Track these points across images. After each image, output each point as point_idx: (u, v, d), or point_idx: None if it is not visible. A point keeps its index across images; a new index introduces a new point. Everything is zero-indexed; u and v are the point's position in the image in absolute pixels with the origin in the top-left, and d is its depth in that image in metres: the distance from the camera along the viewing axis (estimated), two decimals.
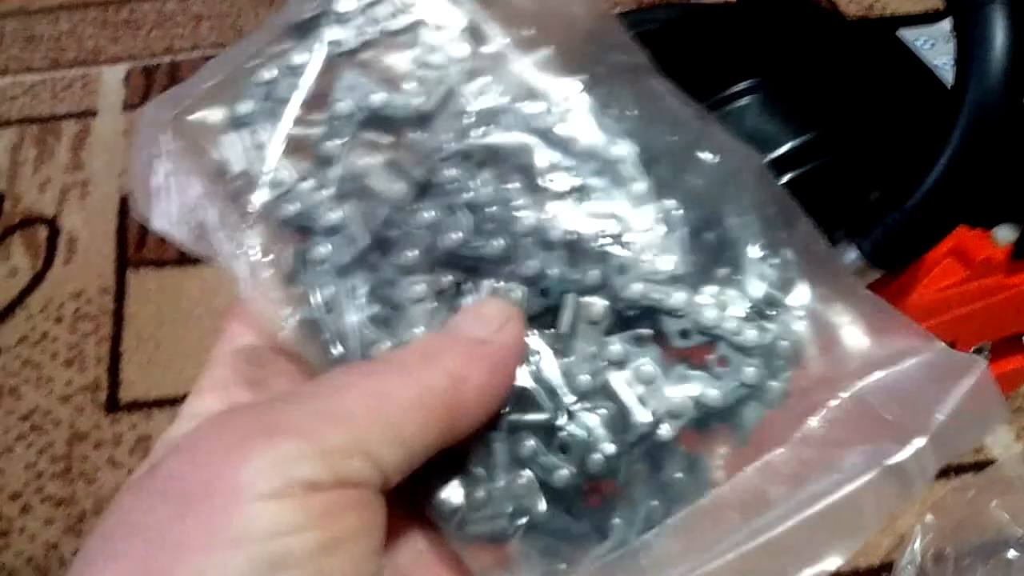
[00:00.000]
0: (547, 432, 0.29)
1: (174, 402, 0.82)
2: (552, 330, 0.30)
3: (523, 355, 0.29)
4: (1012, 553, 0.64)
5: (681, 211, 0.31)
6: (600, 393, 0.29)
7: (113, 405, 0.82)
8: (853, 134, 0.58)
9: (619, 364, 0.30)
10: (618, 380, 0.29)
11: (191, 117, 0.33)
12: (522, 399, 0.29)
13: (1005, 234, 0.62)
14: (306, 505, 0.24)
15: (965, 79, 0.54)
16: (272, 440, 0.24)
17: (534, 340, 0.30)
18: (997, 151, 0.55)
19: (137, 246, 0.95)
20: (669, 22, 0.63)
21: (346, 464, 0.25)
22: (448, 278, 0.31)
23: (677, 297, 0.30)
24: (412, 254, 0.31)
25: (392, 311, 0.30)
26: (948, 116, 0.54)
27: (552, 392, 0.29)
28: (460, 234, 0.30)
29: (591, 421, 0.29)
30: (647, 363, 0.30)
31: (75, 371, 0.85)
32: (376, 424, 0.25)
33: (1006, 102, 0.54)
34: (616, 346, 0.30)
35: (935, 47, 0.68)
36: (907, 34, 0.70)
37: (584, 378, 0.29)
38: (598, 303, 0.30)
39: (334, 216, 0.31)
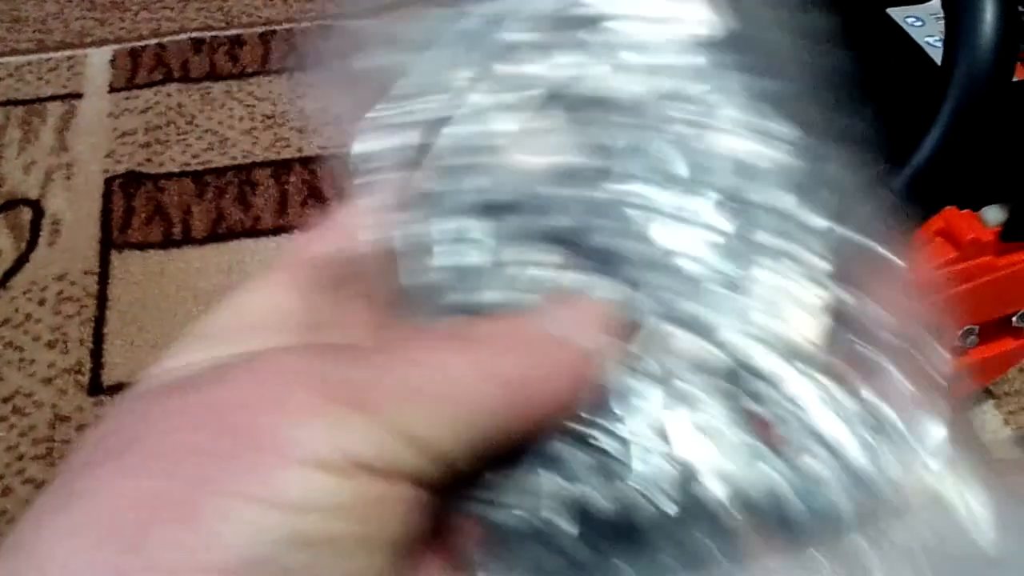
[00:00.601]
0: (589, 450, 0.27)
1: None
2: (631, 347, 0.27)
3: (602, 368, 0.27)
4: None
5: (826, 285, 0.28)
6: (657, 431, 0.27)
7: (96, 387, 0.81)
8: (840, 112, 0.57)
9: (687, 407, 0.27)
10: (678, 425, 0.27)
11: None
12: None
13: (994, 215, 0.61)
14: (354, 488, 0.22)
15: (953, 58, 0.53)
16: (342, 408, 0.22)
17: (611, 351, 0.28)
18: (985, 131, 0.54)
19: (121, 228, 0.94)
20: None
21: (406, 453, 0.23)
22: (555, 257, 0.28)
23: (787, 375, 0.27)
24: (529, 222, 0.28)
25: (486, 269, 0.28)
26: (936, 95, 0.54)
27: (610, 412, 0.27)
28: (582, 222, 0.28)
29: (640, 456, 0.26)
30: (720, 419, 0.27)
31: (58, 353, 0.84)
32: (449, 416, 0.23)
33: (994, 81, 0.53)
34: (690, 388, 0.27)
35: (924, 26, 0.68)
36: (896, 12, 0.69)
37: (646, 410, 0.27)
38: (688, 339, 0.27)
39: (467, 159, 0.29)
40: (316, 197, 0.97)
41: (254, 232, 0.94)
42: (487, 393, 0.24)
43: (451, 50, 0.30)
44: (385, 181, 0.29)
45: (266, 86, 1.10)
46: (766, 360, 0.27)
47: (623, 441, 0.26)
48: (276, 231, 0.94)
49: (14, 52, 1.17)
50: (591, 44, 0.31)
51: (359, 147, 0.29)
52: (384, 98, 0.30)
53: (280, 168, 1.00)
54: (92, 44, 1.17)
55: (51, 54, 1.16)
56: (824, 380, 0.27)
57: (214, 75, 1.11)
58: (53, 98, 1.10)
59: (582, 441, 0.26)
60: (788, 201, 0.28)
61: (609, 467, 0.26)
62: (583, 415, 0.26)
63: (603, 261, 0.28)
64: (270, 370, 0.23)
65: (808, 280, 0.28)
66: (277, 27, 1.18)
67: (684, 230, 0.28)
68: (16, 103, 1.10)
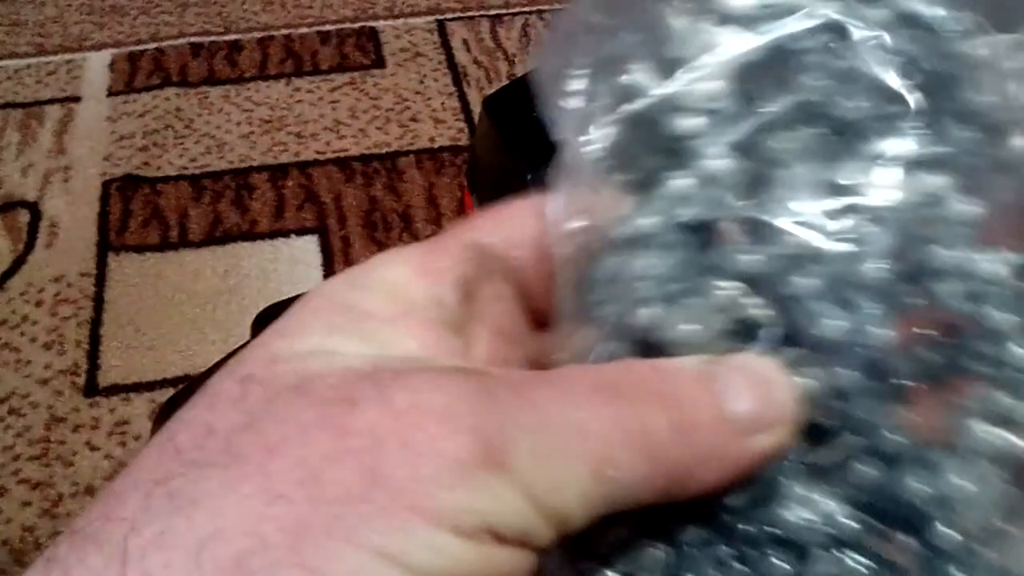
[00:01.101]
0: (711, 537, 0.24)
1: (152, 386, 0.82)
2: (805, 450, 0.23)
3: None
4: None
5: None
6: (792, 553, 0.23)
7: (92, 389, 0.82)
8: None
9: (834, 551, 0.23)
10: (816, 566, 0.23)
11: None
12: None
13: None
14: (480, 554, 0.20)
15: None
16: (484, 469, 0.20)
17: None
18: None
19: (118, 231, 0.95)
20: None
21: (535, 520, 0.21)
22: (761, 311, 0.24)
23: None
24: (744, 260, 0.24)
25: (678, 293, 0.24)
26: None
27: (752, 508, 0.23)
28: (792, 286, 0.23)
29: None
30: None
31: (54, 354, 0.85)
32: (583, 483, 0.21)
33: None
34: (851, 524, 0.23)
35: None
36: None
37: (786, 522, 0.23)
38: (869, 475, 0.23)
39: (713, 164, 0.25)
40: (313, 201, 0.98)
41: (250, 236, 0.94)
42: (629, 464, 0.21)
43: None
44: (585, 170, 0.26)
45: (264, 91, 1.10)
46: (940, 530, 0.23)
47: (751, 544, 0.23)
48: (272, 235, 0.95)
49: (13, 55, 1.18)
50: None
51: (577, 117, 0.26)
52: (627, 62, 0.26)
53: (277, 172, 1.01)
54: (91, 48, 1.18)
55: (50, 57, 1.17)
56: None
57: (212, 79, 1.12)
58: (51, 101, 1.11)
59: (707, 525, 0.24)
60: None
61: (728, 565, 0.23)
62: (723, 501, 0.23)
63: (799, 331, 0.24)
64: (415, 407, 0.21)
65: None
66: (275, 32, 1.18)
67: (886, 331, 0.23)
68: (15, 106, 1.10)
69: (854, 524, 0.23)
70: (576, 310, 0.25)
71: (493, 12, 1.22)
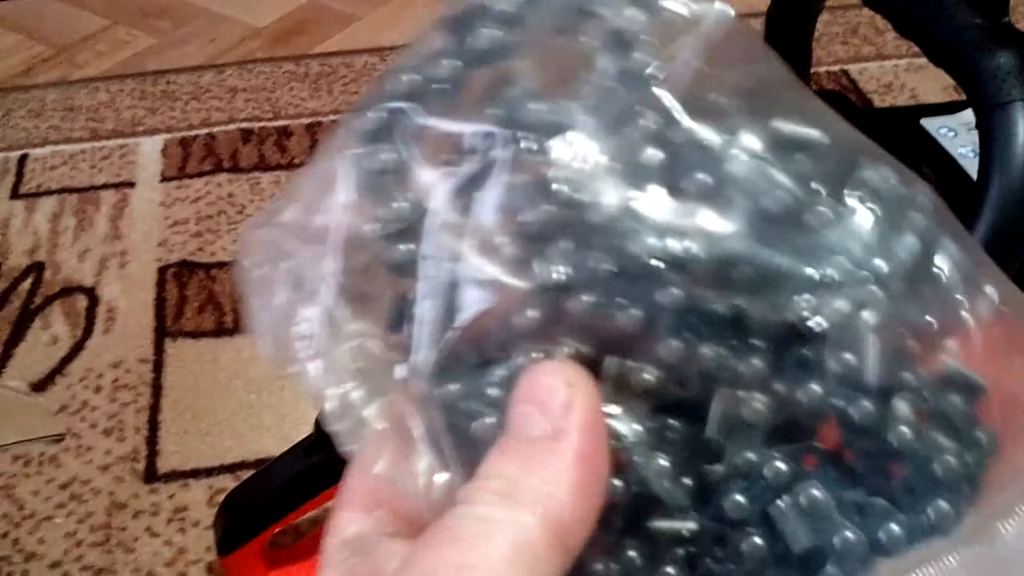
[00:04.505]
0: (681, 551, 0.25)
1: (210, 472, 0.84)
2: (680, 424, 0.25)
3: (605, 429, 0.24)
4: None
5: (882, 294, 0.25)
6: (755, 520, 0.24)
7: (151, 475, 0.84)
8: None
9: (782, 488, 0.24)
10: (782, 511, 0.24)
11: (281, 219, 0.29)
12: (649, 505, 0.25)
13: None
14: None
15: (989, 174, 0.56)
16: None
17: (670, 438, 0.25)
18: (1019, 245, 0.56)
19: (175, 317, 0.97)
20: None
21: None
22: (567, 349, 0.25)
23: (864, 409, 0.24)
24: (532, 314, 0.25)
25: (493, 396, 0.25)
26: (972, 209, 0.56)
27: (688, 509, 0.25)
28: (591, 298, 0.24)
29: (742, 548, 0.25)
30: (817, 488, 0.24)
31: (114, 440, 0.87)
32: None
33: None
34: (781, 465, 0.24)
35: (957, 137, 0.70)
36: (929, 124, 0.72)
37: (737, 500, 0.24)
38: (759, 402, 0.24)
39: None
40: None
41: None
42: (541, 553, 0.23)
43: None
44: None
45: None
46: (849, 403, 0.24)
47: (699, 534, 0.25)
48: None
49: (68, 140, 1.21)
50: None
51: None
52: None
53: None
54: (143, 133, 1.22)
55: (104, 142, 1.21)
56: (900, 400, 0.25)
57: (263, 165, 1.15)
58: (106, 186, 1.14)
59: (652, 537, 0.25)
60: None
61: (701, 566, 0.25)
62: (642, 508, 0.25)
63: (625, 337, 0.25)
64: None
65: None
66: (323, 119, 1.22)
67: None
68: (70, 191, 1.14)
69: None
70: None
71: None
